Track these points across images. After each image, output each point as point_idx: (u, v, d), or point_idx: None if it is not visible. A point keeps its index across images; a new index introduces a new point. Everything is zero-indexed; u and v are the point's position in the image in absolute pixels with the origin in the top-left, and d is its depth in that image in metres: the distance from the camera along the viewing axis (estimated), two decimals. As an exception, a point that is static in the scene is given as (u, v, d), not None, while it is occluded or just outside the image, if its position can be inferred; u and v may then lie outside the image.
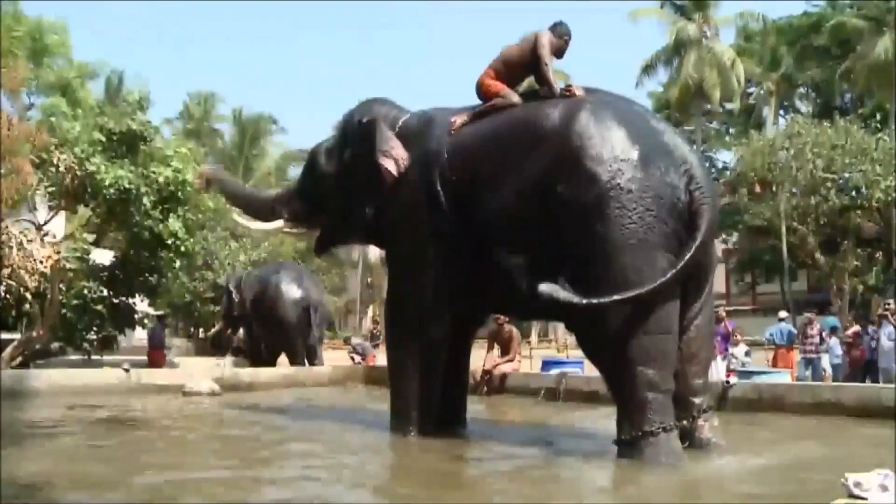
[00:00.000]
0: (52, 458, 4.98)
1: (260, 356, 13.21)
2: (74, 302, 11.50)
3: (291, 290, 12.74)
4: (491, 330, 9.75)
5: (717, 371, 10.42)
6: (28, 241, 9.59)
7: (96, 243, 12.75)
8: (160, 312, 15.63)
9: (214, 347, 17.01)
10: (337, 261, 33.34)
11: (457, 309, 5.60)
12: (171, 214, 11.70)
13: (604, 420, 5.56)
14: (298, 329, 12.65)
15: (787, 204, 20.93)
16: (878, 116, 27.12)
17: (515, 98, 5.39)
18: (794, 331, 12.40)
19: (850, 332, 12.02)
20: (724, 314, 12.34)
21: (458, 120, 5.54)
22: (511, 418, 7.71)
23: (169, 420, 7.13)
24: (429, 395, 5.69)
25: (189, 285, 18.18)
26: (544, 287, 4.42)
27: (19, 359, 11.14)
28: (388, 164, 5.62)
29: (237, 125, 40.26)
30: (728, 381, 7.64)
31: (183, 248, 11.94)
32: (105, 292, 11.72)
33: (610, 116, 4.81)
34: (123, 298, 12.39)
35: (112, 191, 10.95)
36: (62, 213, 14.12)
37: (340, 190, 6.09)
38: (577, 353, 8.01)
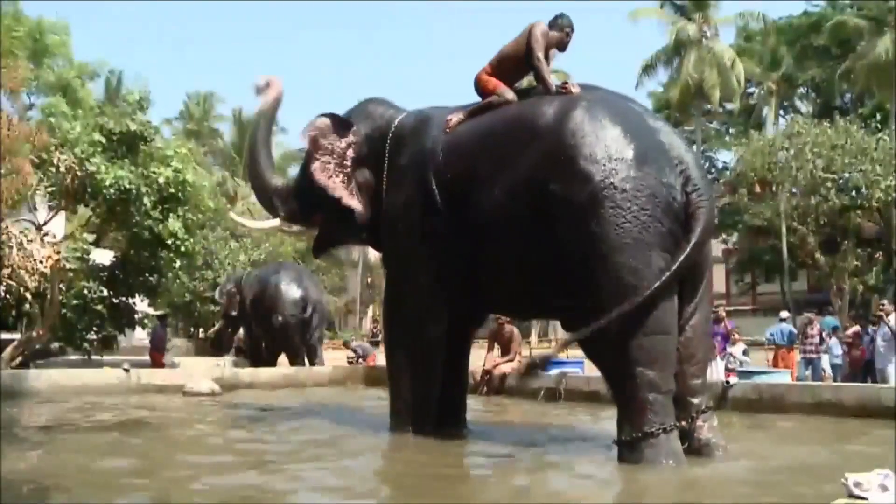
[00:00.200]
0: (52, 459, 4.98)
1: (260, 356, 13.20)
2: (74, 302, 11.50)
3: (291, 290, 12.74)
4: (491, 330, 9.75)
5: (717, 371, 10.44)
6: (28, 241, 9.58)
7: (96, 243, 12.75)
8: (160, 312, 15.62)
9: (215, 347, 17.01)
10: (337, 261, 33.33)
11: (455, 309, 5.59)
12: (171, 214, 11.70)
13: (604, 420, 5.56)
14: (299, 329, 12.65)
15: (787, 204, 20.93)
16: (878, 116, 27.12)
17: (510, 95, 5.36)
18: (795, 331, 12.40)
19: (850, 332, 12.02)
20: (723, 314, 12.34)
21: (454, 118, 5.52)
22: (511, 418, 7.70)
23: (169, 420, 7.12)
24: (428, 395, 5.68)
25: (189, 285, 18.20)
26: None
27: (19, 359, 11.14)
28: (323, 179, 5.79)
29: (237, 125, 40.29)
30: (728, 381, 7.64)
31: (183, 248, 11.95)
32: (105, 292, 11.73)
33: (605, 114, 4.77)
34: (123, 298, 12.39)
35: (112, 191, 10.95)
36: (62, 213, 14.13)
37: None
38: (577, 353, 8.00)
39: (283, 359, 13.15)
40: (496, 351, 9.71)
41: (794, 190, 20.78)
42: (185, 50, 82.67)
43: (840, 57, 26.84)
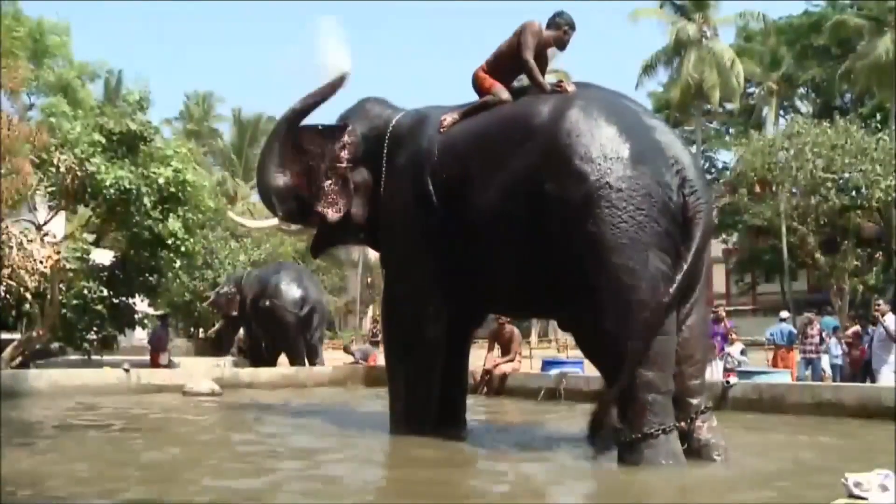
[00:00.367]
0: (53, 458, 4.98)
1: (260, 356, 13.21)
2: (74, 302, 11.51)
3: (291, 290, 12.74)
4: (491, 330, 9.75)
5: (716, 371, 10.44)
6: (28, 241, 9.59)
7: (96, 243, 12.76)
8: (159, 312, 15.62)
9: (215, 347, 17.01)
10: (337, 261, 33.34)
11: (454, 309, 5.58)
12: (171, 214, 11.71)
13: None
14: (299, 329, 12.65)
15: (787, 204, 20.93)
16: (878, 116, 27.12)
17: (505, 95, 5.34)
18: (795, 331, 12.39)
19: (850, 332, 12.02)
20: (723, 314, 12.34)
21: (449, 118, 5.51)
22: (511, 418, 7.71)
23: (168, 420, 7.13)
24: (427, 395, 5.68)
25: (189, 285, 18.20)
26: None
27: (19, 359, 11.15)
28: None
29: (236, 125, 40.34)
30: (728, 382, 7.64)
31: (183, 248, 11.95)
32: (105, 292, 11.73)
33: (600, 113, 4.74)
34: (123, 298, 12.40)
35: (112, 191, 10.96)
36: (62, 213, 14.14)
37: None
38: (577, 354, 8.01)
39: (283, 359, 13.16)
40: (496, 351, 9.71)
41: (794, 190, 20.78)
42: (184, 50, 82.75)
43: (840, 57, 26.84)
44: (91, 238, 12.71)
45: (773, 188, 21.04)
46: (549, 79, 5.37)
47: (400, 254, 5.78)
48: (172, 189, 11.55)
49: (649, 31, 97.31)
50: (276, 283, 12.88)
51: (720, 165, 35.13)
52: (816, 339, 11.65)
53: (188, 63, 78.46)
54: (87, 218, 13.30)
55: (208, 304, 14.58)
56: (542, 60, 5.42)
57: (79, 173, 10.94)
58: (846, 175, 19.85)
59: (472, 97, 5.64)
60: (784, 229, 21.84)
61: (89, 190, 11.23)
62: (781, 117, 31.62)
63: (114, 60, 57.13)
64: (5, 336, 12.38)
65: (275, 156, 6.70)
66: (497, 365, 9.32)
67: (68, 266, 10.82)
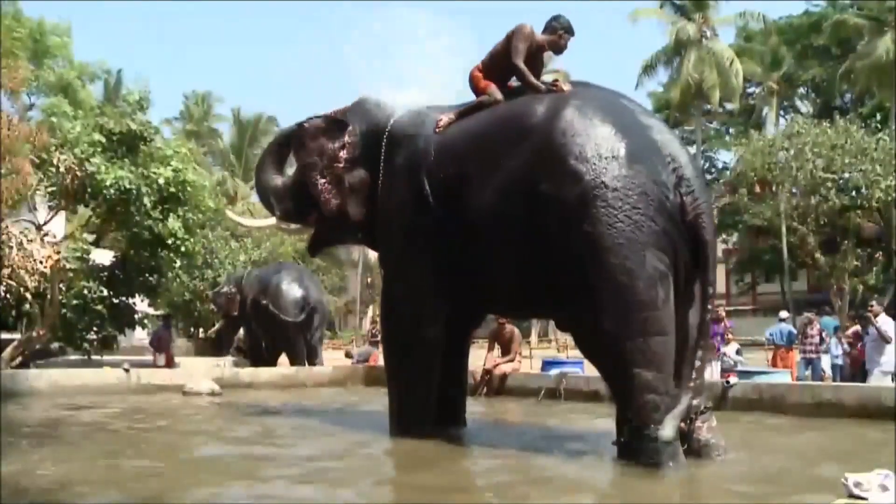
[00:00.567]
0: (53, 459, 4.98)
1: (260, 356, 13.20)
2: (74, 302, 11.51)
3: (292, 290, 12.72)
4: (491, 330, 9.75)
5: (715, 371, 10.44)
6: (28, 241, 9.60)
7: (96, 243, 12.78)
8: (160, 313, 15.61)
9: (215, 347, 17.00)
10: (337, 261, 33.33)
11: (452, 309, 5.57)
12: (171, 214, 11.71)
13: (604, 420, 5.56)
14: (299, 329, 12.64)
15: (787, 204, 20.93)
16: (878, 116, 27.12)
17: (500, 95, 5.33)
18: (794, 331, 12.39)
19: (849, 331, 12.01)
20: (723, 314, 12.33)
21: (445, 118, 5.50)
22: (511, 418, 7.70)
23: (168, 421, 7.13)
24: (427, 395, 5.67)
25: (189, 285, 18.21)
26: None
27: (19, 359, 11.16)
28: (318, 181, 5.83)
29: (236, 125, 40.32)
30: (728, 382, 7.64)
31: (183, 248, 11.96)
32: (105, 292, 11.74)
33: (595, 112, 4.73)
34: (123, 298, 12.39)
35: (112, 191, 10.96)
36: (62, 213, 14.15)
37: None
38: (577, 354, 7.99)
39: (283, 359, 13.15)
40: (496, 351, 9.71)
41: (794, 190, 20.78)
42: (184, 50, 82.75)
43: (840, 57, 26.84)
44: (91, 238, 12.73)
45: (773, 188, 21.04)
46: (547, 79, 5.35)
47: (398, 254, 5.78)
48: (172, 189, 11.55)
49: (649, 31, 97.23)
50: (276, 283, 12.86)
51: (720, 165, 35.15)
52: (816, 339, 11.64)
53: (188, 63, 78.51)
54: (87, 218, 13.31)
55: (210, 303, 14.54)
56: (536, 63, 5.40)
57: (79, 173, 10.95)
58: (846, 175, 19.85)
59: (470, 97, 5.63)
60: (784, 229, 21.84)
61: (89, 190, 11.23)
62: (781, 117, 31.63)
63: (113, 60, 57.29)
64: (5, 336, 12.39)
65: (274, 157, 6.76)
66: (497, 365, 9.32)
67: (68, 266, 10.83)
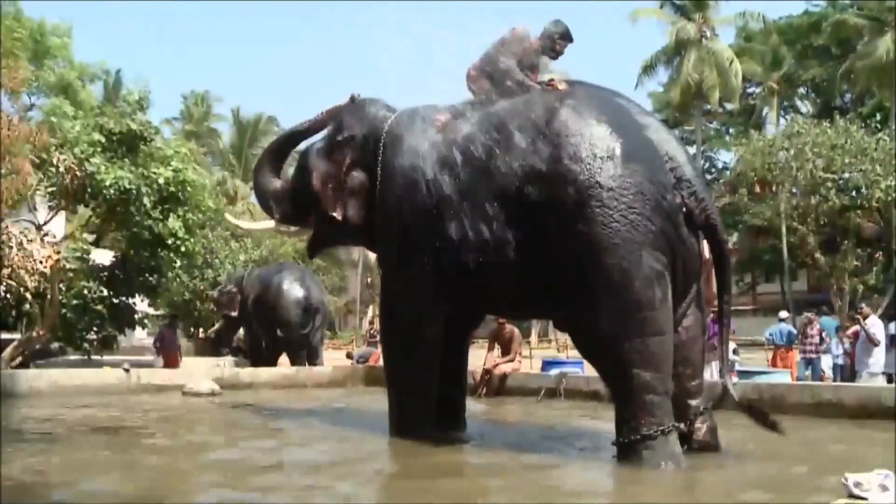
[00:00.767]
0: (52, 459, 4.98)
1: (260, 356, 13.20)
2: (74, 302, 11.50)
3: (294, 291, 12.72)
4: (492, 330, 9.75)
5: (715, 372, 10.44)
6: (28, 241, 9.59)
7: (96, 243, 12.77)
8: (160, 312, 15.59)
9: (214, 347, 16.98)
10: (337, 261, 33.34)
11: (451, 309, 5.56)
12: (171, 214, 11.71)
13: (603, 420, 5.55)
14: (301, 329, 12.63)
15: (787, 204, 20.94)
16: (878, 116, 27.14)
17: (495, 95, 5.32)
18: (794, 331, 12.40)
19: (850, 331, 12.02)
20: (723, 314, 12.31)
21: (442, 118, 5.50)
22: (511, 418, 7.70)
23: (168, 421, 7.13)
24: (426, 396, 5.66)
25: (189, 285, 18.20)
26: None
27: (19, 359, 11.15)
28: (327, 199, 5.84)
29: (236, 125, 40.33)
30: (728, 382, 7.62)
31: (183, 248, 11.95)
32: (105, 292, 11.73)
33: (591, 112, 4.72)
34: (123, 298, 12.39)
35: (112, 191, 10.96)
36: (62, 213, 14.14)
37: None
38: (578, 354, 7.98)
39: (283, 359, 13.15)
40: (496, 351, 9.71)
41: (794, 190, 20.78)
42: (184, 50, 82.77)
43: (840, 57, 26.85)
44: (91, 238, 12.72)
45: (773, 188, 21.05)
46: (546, 78, 5.34)
47: (396, 255, 5.77)
48: (172, 189, 11.55)
49: (649, 31, 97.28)
50: (278, 282, 12.86)
51: (720, 165, 35.17)
52: (816, 339, 11.65)
53: (188, 63, 78.52)
54: (87, 218, 13.30)
55: (221, 298, 14.49)
56: (532, 64, 5.39)
57: (78, 173, 10.94)
58: (846, 175, 19.85)
59: (468, 97, 5.63)
60: (784, 229, 21.85)
61: (89, 190, 11.23)
62: (781, 117, 31.65)
63: (113, 60, 57.19)
64: (5, 336, 12.38)
65: (271, 161, 6.79)
66: (497, 365, 9.32)
67: (68, 266, 10.82)
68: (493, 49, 5.46)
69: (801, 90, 32.49)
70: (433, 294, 5.46)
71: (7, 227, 9.60)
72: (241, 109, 40.48)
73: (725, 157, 34.70)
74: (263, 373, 10.84)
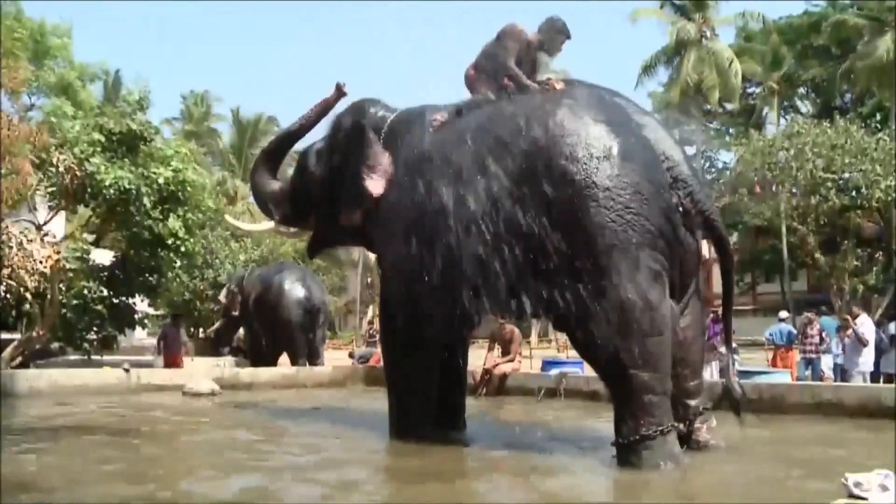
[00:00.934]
0: (53, 459, 4.98)
1: (260, 356, 13.19)
2: (74, 302, 11.50)
3: (295, 290, 12.71)
4: (492, 330, 9.75)
5: (714, 372, 10.46)
6: (28, 241, 9.58)
7: (96, 243, 12.76)
8: (161, 312, 15.58)
9: (213, 346, 16.97)
10: (337, 261, 33.33)
11: (450, 309, 5.54)
12: (171, 214, 11.71)
13: (603, 421, 5.56)
14: (302, 329, 12.63)
15: (787, 204, 20.94)
16: (878, 116, 27.13)
17: (492, 94, 5.31)
18: (794, 331, 12.40)
19: (849, 331, 12.02)
20: (722, 314, 12.32)
21: (438, 118, 5.49)
22: (511, 418, 7.70)
23: (168, 421, 7.13)
24: (426, 396, 5.66)
25: (189, 285, 18.22)
26: None
27: (19, 359, 11.15)
28: (372, 181, 5.60)
29: (236, 125, 40.33)
30: (728, 382, 7.62)
31: (183, 248, 11.95)
32: (105, 292, 11.73)
33: (587, 112, 4.70)
34: (123, 298, 12.39)
35: (112, 191, 10.95)
36: (62, 213, 14.13)
37: (327, 193, 6.08)
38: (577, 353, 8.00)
39: (283, 359, 13.15)
40: (496, 351, 9.71)
41: (794, 190, 20.78)
42: (184, 50, 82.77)
43: (840, 57, 26.84)
44: (91, 238, 12.71)
45: (773, 188, 21.05)
46: (526, 79, 5.31)
47: (395, 254, 5.77)
48: (172, 189, 11.55)
49: (649, 31, 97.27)
50: (279, 282, 12.85)
51: (720, 165, 35.15)
52: (816, 339, 11.65)
53: (187, 63, 78.54)
54: (87, 218, 13.29)
55: (224, 298, 14.48)
56: (529, 62, 5.37)
57: (78, 173, 10.93)
58: (846, 175, 19.85)
59: (466, 96, 5.62)
60: (784, 229, 21.85)
61: (89, 190, 11.22)
62: (781, 117, 31.65)
63: (113, 60, 57.27)
64: (5, 336, 12.37)
65: (268, 162, 6.78)
66: (497, 365, 9.32)
67: (68, 266, 10.81)
68: (490, 47, 5.44)
69: (801, 90, 32.48)
70: (432, 294, 5.45)
71: (7, 227, 9.60)
72: (240, 109, 40.55)
73: (725, 157, 34.70)
74: (263, 373, 10.84)
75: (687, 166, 4.70)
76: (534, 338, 28.87)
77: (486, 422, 7.08)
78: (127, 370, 9.39)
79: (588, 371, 8.29)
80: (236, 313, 14.26)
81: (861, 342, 10.40)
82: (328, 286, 28.20)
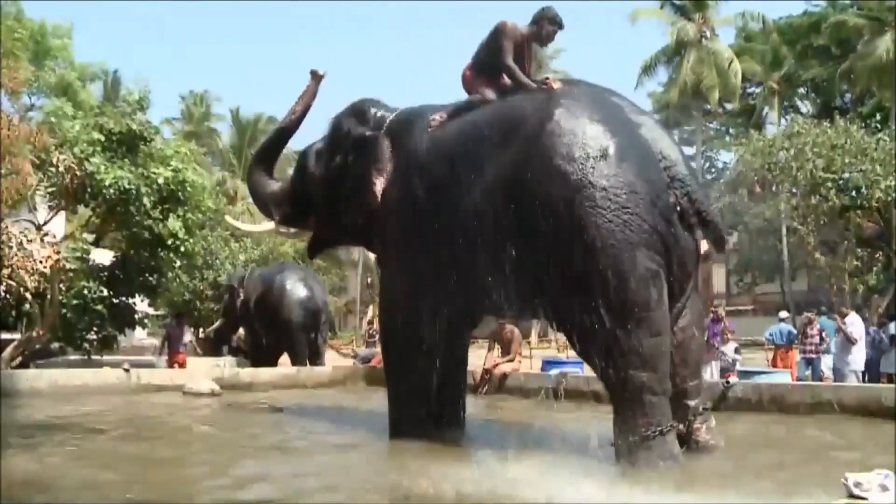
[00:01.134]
0: (52, 459, 4.98)
1: (260, 356, 13.18)
2: (74, 302, 11.50)
3: (297, 291, 12.69)
4: (492, 330, 9.75)
5: (715, 372, 10.47)
6: (28, 241, 9.58)
7: (96, 243, 12.75)
8: (161, 312, 15.56)
9: (213, 346, 16.96)
10: (337, 261, 33.32)
11: (449, 309, 5.55)
12: (171, 214, 11.71)
13: (603, 421, 5.55)
14: (304, 329, 12.61)
15: (787, 204, 20.93)
16: (878, 116, 27.12)
17: (490, 95, 5.31)
18: (794, 331, 12.41)
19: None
20: (723, 314, 12.34)
21: (436, 118, 5.48)
22: (510, 418, 7.70)
23: (168, 421, 7.13)
24: (426, 396, 5.65)
25: (189, 285, 18.22)
26: None
27: (19, 359, 11.15)
28: (377, 185, 5.61)
29: (235, 125, 40.32)
30: (728, 382, 7.64)
31: (183, 249, 11.95)
32: (105, 292, 11.72)
33: (584, 111, 4.68)
34: (123, 298, 12.39)
35: (112, 191, 10.95)
36: (62, 213, 14.13)
37: (327, 194, 6.08)
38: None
39: (283, 359, 13.13)
40: (496, 351, 9.71)
41: (794, 190, 20.77)
42: (183, 50, 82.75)
43: (840, 57, 26.82)
44: (91, 238, 12.70)
45: (773, 188, 21.04)
46: (525, 78, 5.30)
47: (394, 255, 5.77)
48: (172, 189, 11.55)
49: (649, 31, 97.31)
50: (281, 282, 12.83)
51: (720, 165, 35.17)
52: (816, 339, 11.66)
53: (187, 63, 78.52)
54: (87, 218, 13.29)
55: (212, 302, 14.52)
56: (524, 56, 5.37)
57: (78, 173, 10.93)
58: (846, 175, 19.82)
59: (464, 96, 5.63)
60: (784, 229, 21.84)
61: (89, 190, 11.22)
62: (782, 117, 31.65)
63: (113, 60, 57.34)
64: (5, 336, 12.37)
65: (263, 163, 6.78)
66: (497, 365, 9.32)
67: (68, 266, 10.81)
68: (486, 46, 5.44)
69: (801, 90, 32.47)
70: (431, 294, 5.45)
71: (7, 227, 9.60)
72: (240, 109, 40.55)
73: (725, 157, 34.73)
74: (264, 373, 10.83)
75: (684, 165, 4.68)
76: (534, 338, 28.84)
77: (486, 422, 7.08)
78: (127, 370, 9.38)
79: (588, 371, 8.29)
80: (237, 313, 14.24)
81: (849, 341, 10.46)
82: (328, 286, 28.19)
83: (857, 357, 10.59)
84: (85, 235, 12.70)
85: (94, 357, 12.71)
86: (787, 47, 30.54)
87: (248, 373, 10.78)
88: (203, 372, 10.25)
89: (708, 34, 29.92)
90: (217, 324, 16.77)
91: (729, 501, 3.94)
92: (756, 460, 4.82)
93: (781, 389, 7.40)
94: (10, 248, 9.27)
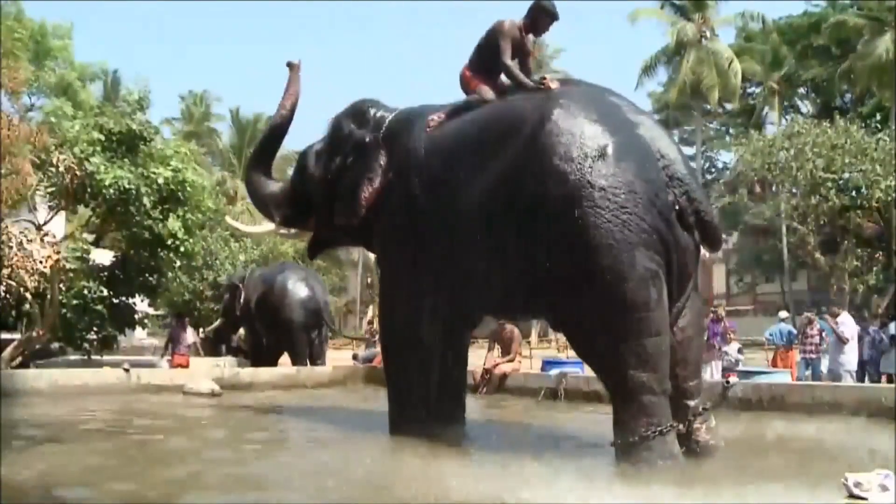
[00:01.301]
0: (52, 459, 4.97)
1: (261, 356, 13.17)
2: (74, 302, 11.50)
3: (298, 290, 12.67)
4: (492, 330, 9.74)
5: (716, 372, 10.47)
6: (28, 241, 9.59)
7: (96, 243, 12.77)
8: (161, 312, 15.57)
9: (212, 346, 16.96)
10: (337, 261, 33.34)
11: (448, 310, 5.54)
12: (171, 214, 11.71)
13: (603, 421, 5.55)
14: (305, 329, 12.60)
15: (787, 204, 20.94)
16: (878, 116, 27.14)
17: (489, 95, 5.31)
18: (794, 331, 12.41)
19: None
20: (723, 314, 12.35)
21: (434, 118, 5.48)
22: (510, 418, 7.70)
23: (168, 421, 7.13)
24: (425, 395, 5.66)
25: (189, 285, 18.24)
26: None
27: (19, 359, 11.15)
28: (365, 194, 5.64)
29: (235, 125, 40.34)
30: (728, 382, 7.64)
31: (183, 249, 11.95)
32: (105, 292, 11.73)
33: (582, 111, 4.66)
34: (123, 298, 12.39)
35: (112, 191, 10.95)
36: (62, 213, 14.14)
37: (327, 194, 6.08)
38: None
39: (283, 359, 13.13)
40: (496, 351, 9.70)
41: (794, 190, 20.79)
42: (183, 50, 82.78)
43: (840, 57, 26.84)
44: (91, 238, 12.72)
45: (773, 188, 21.06)
46: (524, 77, 5.30)
47: (393, 255, 5.76)
48: (172, 189, 11.55)
49: (649, 31, 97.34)
50: (282, 282, 12.80)
51: (720, 165, 35.18)
52: (816, 339, 11.66)
53: (187, 63, 78.56)
54: (87, 218, 13.30)
55: (212, 302, 14.53)
56: (522, 52, 5.36)
57: (78, 173, 10.94)
58: (846, 175, 19.85)
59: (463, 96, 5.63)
60: (784, 229, 21.86)
61: (89, 190, 11.23)
62: (782, 117, 31.66)
63: (113, 60, 57.36)
64: (5, 336, 12.38)
65: (261, 165, 6.77)
66: (497, 365, 9.31)
67: (68, 266, 10.82)
68: (484, 45, 5.44)
69: (801, 90, 32.48)
70: (431, 294, 5.46)
71: (7, 227, 9.60)
72: (240, 109, 40.57)
73: (725, 157, 34.73)
74: (264, 373, 10.82)
75: (683, 165, 4.66)
76: (534, 338, 28.85)
77: (486, 422, 7.07)
78: (127, 370, 9.37)
79: (588, 371, 8.29)
80: (238, 312, 14.21)
81: (841, 340, 10.45)
82: (328, 286, 28.20)
83: (850, 357, 10.54)
84: (85, 235, 12.71)
85: (94, 357, 12.72)
86: (787, 47, 30.54)
87: (248, 373, 10.77)
88: (203, 372, 10.24)
89: (708, 34, 29.92)
90: (216, 324, 16.77)
91: (729, 501, 3.95)
92: (756, 460, 4.81)
93: (781, 389, 7.40)
94: (10, 248, 9.27)
